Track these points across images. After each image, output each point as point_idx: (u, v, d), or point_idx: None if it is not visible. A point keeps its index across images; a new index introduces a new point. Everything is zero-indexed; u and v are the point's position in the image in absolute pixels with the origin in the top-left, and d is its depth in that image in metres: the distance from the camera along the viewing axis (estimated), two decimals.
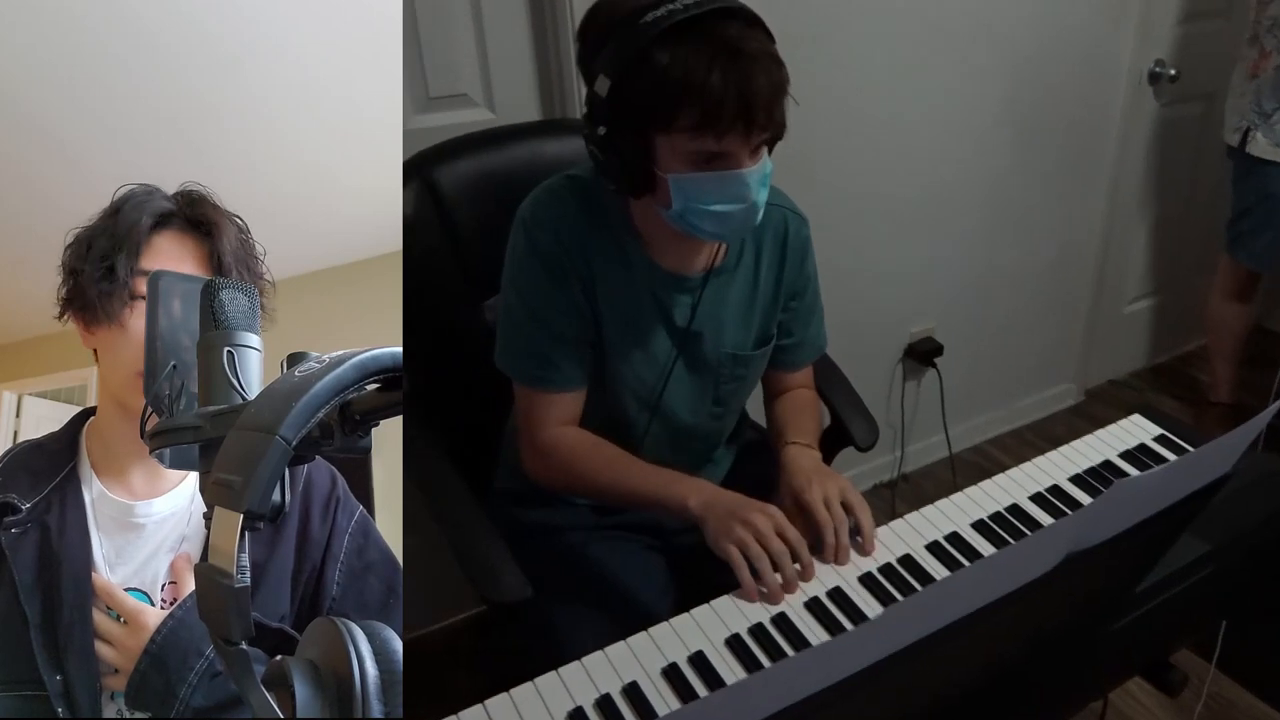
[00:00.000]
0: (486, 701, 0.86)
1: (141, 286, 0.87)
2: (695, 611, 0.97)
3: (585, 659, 0.91)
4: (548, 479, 1.19)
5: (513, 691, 0.87)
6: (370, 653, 0.55)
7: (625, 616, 1.02)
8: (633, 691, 0.88)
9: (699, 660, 0.91)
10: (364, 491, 1.04)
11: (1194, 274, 2.82)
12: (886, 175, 2.04)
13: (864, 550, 1.04)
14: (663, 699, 0.88)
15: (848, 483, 1.09)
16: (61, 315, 0.92)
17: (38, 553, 0.86)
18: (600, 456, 1.15)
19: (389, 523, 1.07)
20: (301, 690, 0.53)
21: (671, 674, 0.90)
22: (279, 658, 0.55)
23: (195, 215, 0.92)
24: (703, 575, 1.07)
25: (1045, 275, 2.46)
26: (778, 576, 0.98)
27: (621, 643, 0.93)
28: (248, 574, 0.53)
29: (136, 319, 0.87)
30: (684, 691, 0.88)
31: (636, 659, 0.92)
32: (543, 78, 1.61)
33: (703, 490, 1.07)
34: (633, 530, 1.24)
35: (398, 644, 0.57)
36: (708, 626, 0.96)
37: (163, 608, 0.88)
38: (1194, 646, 1.22)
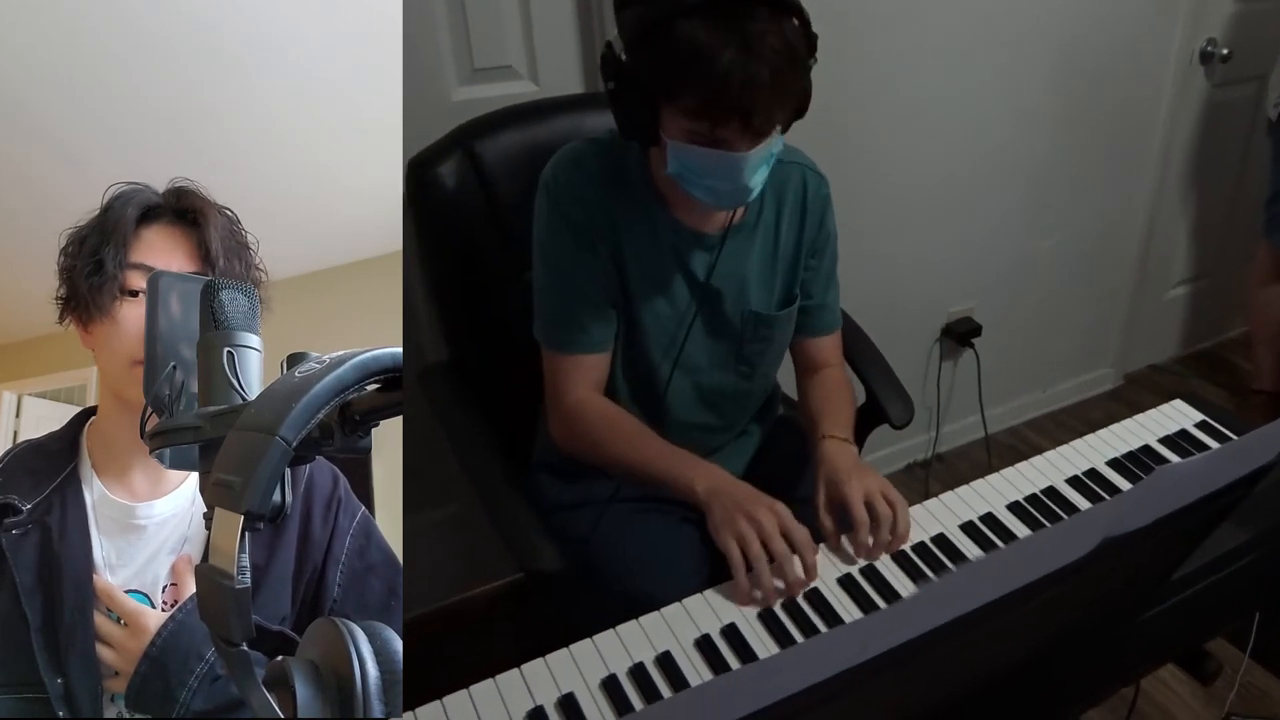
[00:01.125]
0: (523, 666, 0.89)
1: (131, 280, 0.88)
2: (728, 584, 0.98)
3: (620, 628, 0.93)
4: (569, 446, 1.20)
5: (549, 658, 0.89)
6: (371, 653, 0.55)
7: (659, 588, 1.02)
8: (666, 661, 0.89)
9: (731, 632, 0.93)
10: (364, 491, 1.03)
11: (1240, 259, 2.76)
12: (930, 155, 2.03)
13: (893, 545, 1.04)
14: (695, 669, 0.89)
15: (886, 481, 1.09)
16: (62, 318, 0.92)
17: (38, 554, 0.86)
18: (620, 429, 1.17)
19: (389, 523, 1.07)
20: (302, 690, 0.53)
21: (704, 645, 0.92)
22: (280, 658, 0.55)
23: (182, 206, 0.92)
24: None
25: (1087, 258, 2.43)
26: (777, 582, 0.97)
27: (656, 613, 0.95)
28: (248, 575, 0.53)
29: (127, 310, 0.88)
30: (716, 663, 0.90)
31: (670, 629, 0.93)
32: (586, 50, 1.61)
33: (713, 476, 1.08)
34: (667, 503, 1.25)
35: (398, 644, 0.57)
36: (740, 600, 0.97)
37: (164, 610, 0.88)
38: (1228, 635, 1.22)
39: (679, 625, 0.94)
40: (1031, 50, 2.05)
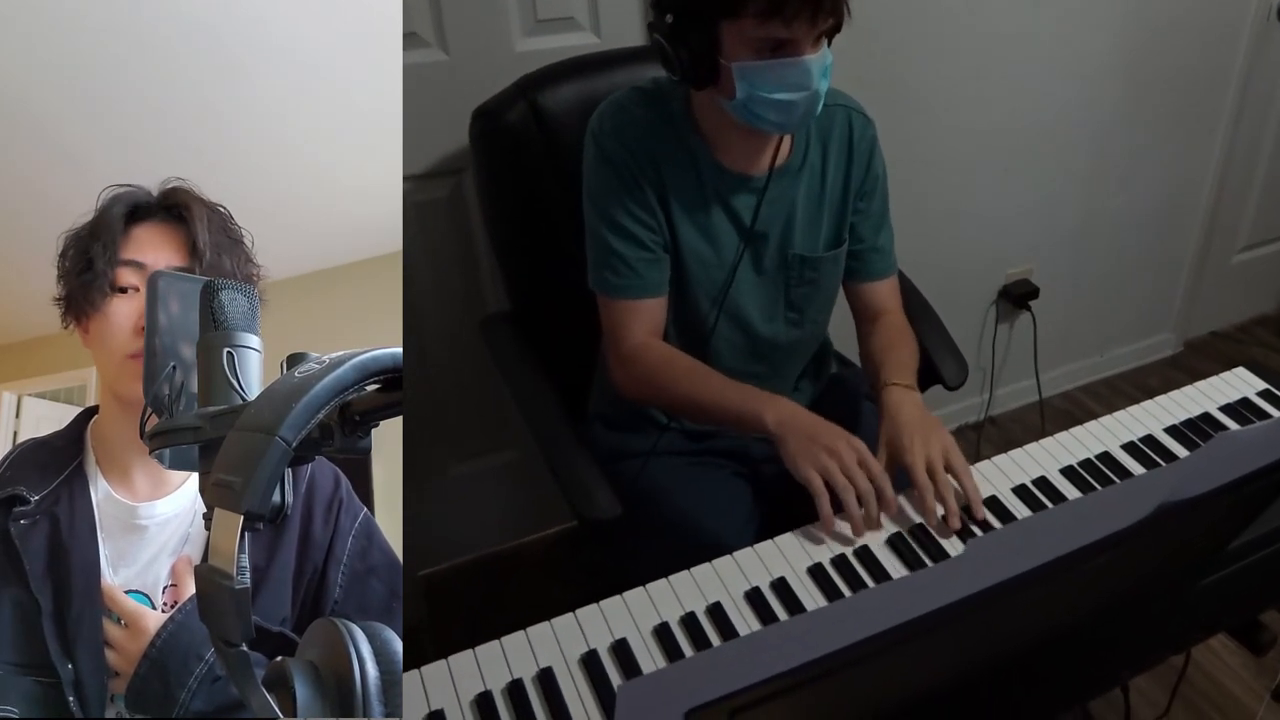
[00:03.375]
0: (578, 611, 0.91)
1: (122, 277, 0.89)
2: (780, 539, 0.99)
3: (672, 578, 0.95)
4: (632, 390, 1.21)
5: (603, 604, 0.92)
6: (371, 653, 0.55)
7: (711, 539, 1.04)
8: (716, 612, 0.91)
9: (781, 586, 0.94)
10: (364, 492, 1.03)
11: None
12: (993, 114, 2.01)
13: (973, 515, 1.02)
14: (745, 621, 0.91)
15: (951, 440, 1.07)
16: (64, 322, 0.93)
17: (47, 544, 0.87)
18: (680, 367, 1.17)
19: (389, 523, 1.07)
20: (302, 691, 0.53)
21: (754, 598, 0.93)
22: (279, 659, 0.55)
23: (169, 203, 0.93)
24: (788, 504, 1.08)
25: (1151, 220, 2.38)
26: (860, 510, 0.97)
27: (707, 564, 0.96)
28: (248, 575, 0.53)
29: (118, 305, 0.89)
30: (766, 615, 0.91)
31: (721, 581, 0.95)
32: (647, 3, 1.60)
33: (781, 408, 1.08)
34: (720, 456, 1.26)
35: (398, 644, 0.57)
36: (791, 554, 0.98)
37: (164, 610, 0.88)
38: None
39: (730, 577, 0.95)
40: (1099, 4, 2.00)
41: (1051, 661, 0.81)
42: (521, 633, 0.89)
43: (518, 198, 1.40)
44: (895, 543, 0.99)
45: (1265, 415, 1.15)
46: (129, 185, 0.94)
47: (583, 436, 1.34)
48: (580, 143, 1.21)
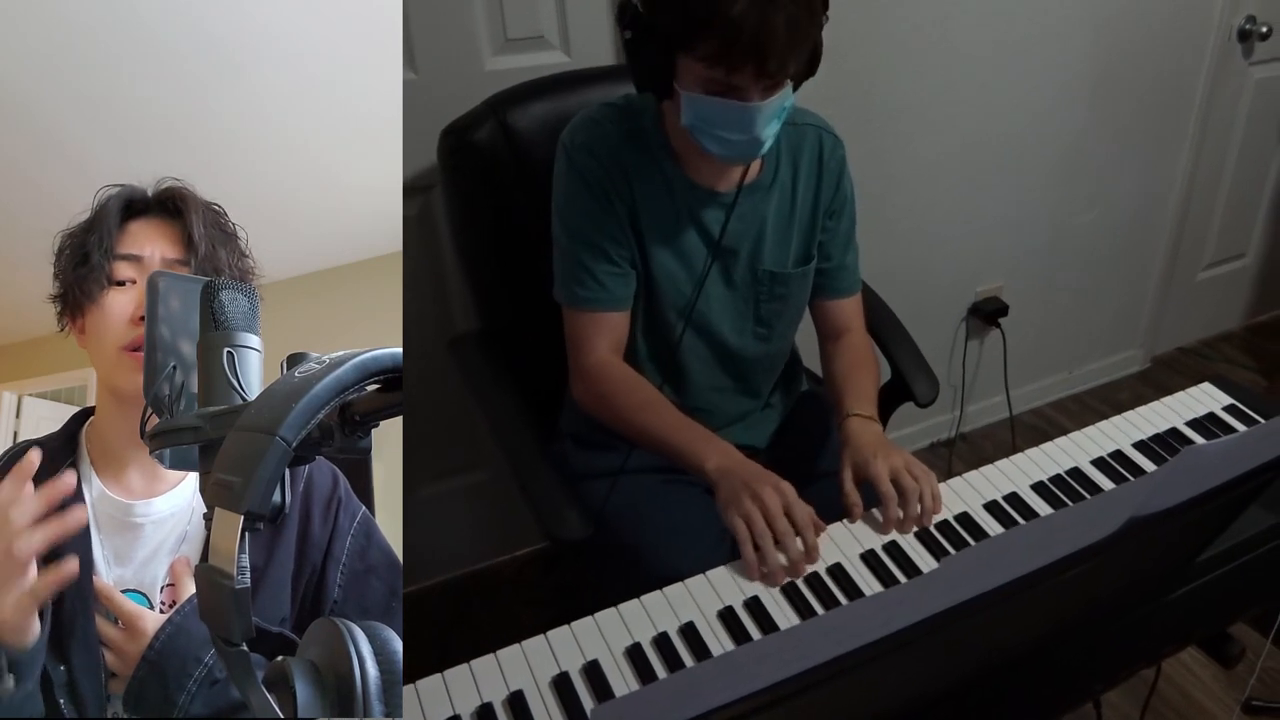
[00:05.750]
0: (549, 633, 0.90)
1: (118, 270, 0.89)
2: (741, 561, 0.98)
3: (644, 598, 0.94)
4: (589, 405, 1.22)
5: (574, 625, 0.91)
6: (371, 653, 0.55)
7: (683, 559, 1.04)
8: (689, 632, 0.91)
9: (754, 605, 0.94)
10: (364, 492, 1.03)
11: (1276, 241, 2.75)
12: (961, 129, 2.02)
13: (924, 519, 1.04)
14: (718, 641, 0.90)
15: (912, 457, 1.09)
16: (60, 323, 0.94)
17: None
18: (638, 396, 1.18)
19: (389, 523, 1.07)
20: (302, 691, 0.53)
21: (727, 617, 0.92)
22: (279, 658, 0.55)
23: (165, 199, 0.94)
24: None
25: (1118, 237, 2.41)
26: (780, 557, 0.98)
27: (680, 584, 0.96)
28: (248, 575, 0.53)
29: (114, 297, 0.89)
30: (739, 634, 0.91)
31: (694, 600, 0.94)
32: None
33: (726, 455, 1.08)
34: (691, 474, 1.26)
35: (398, 644, 0.57)
36: None
37: (162, 610, 0.88)
38: (1251, 620, 1.21)
39: (703, 596, 0.95)
40: (1069, 22, 2.02)
41: (1024, 676, 0.81)
42: (491, 655, 0.88)
43: (487, 215, 1.40)
44: (869, 559, 1.00)
45: (1231, 430, 1.16)
46: (125, 184, 0.95)
47: (553, 455, 1.34)
48: (551, 161, 1.21)
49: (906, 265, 2.03)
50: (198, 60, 1.70)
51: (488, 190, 1.38)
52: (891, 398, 1.40)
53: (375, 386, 0.58)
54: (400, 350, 0.58)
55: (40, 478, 0.90)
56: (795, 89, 1.09)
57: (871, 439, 1.14)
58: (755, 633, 0.91)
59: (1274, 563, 0.96)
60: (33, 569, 0.73)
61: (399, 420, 0.60)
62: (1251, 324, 2.90)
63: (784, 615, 0.93)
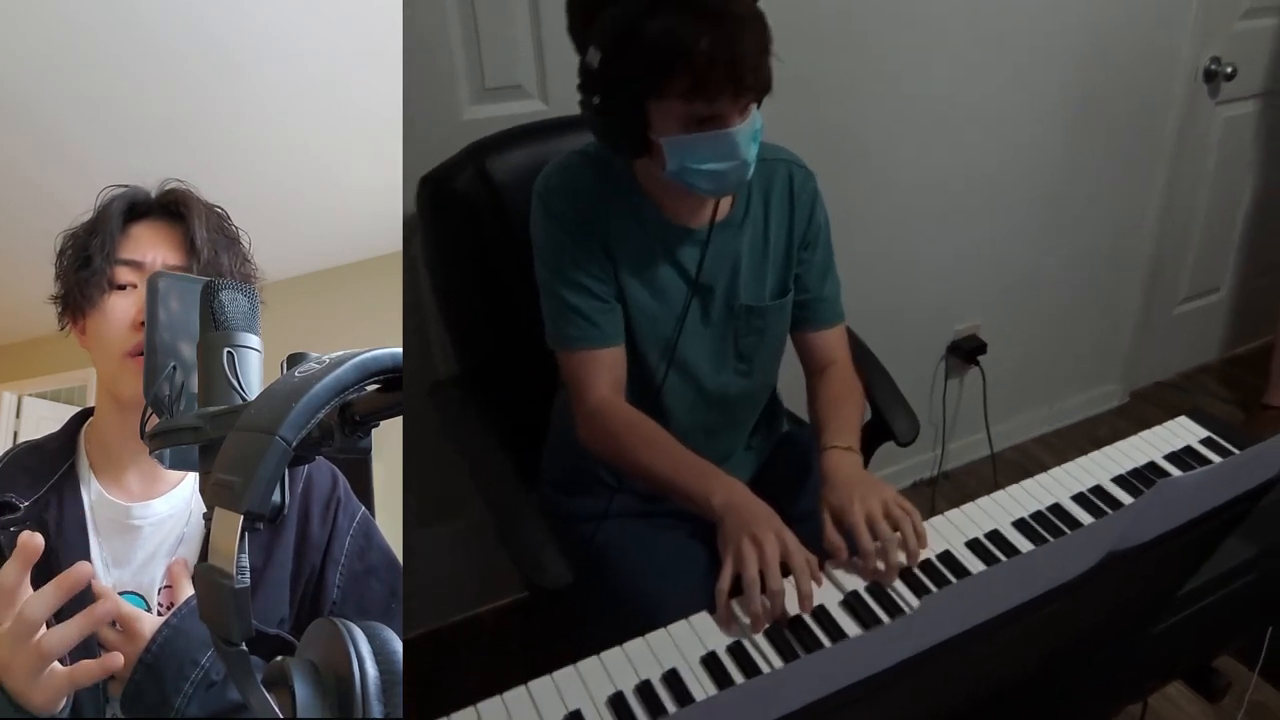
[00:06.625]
0: (530, 683, 0.88)
1: (120, 275, 0.89)
2: (735, 601, 0.97)
3: (626, 646, 0.92)
4: (595, 447, 1.20)
5: (555, 675, 0.89)
6: (370, 653, 0.55)
7: (666, 604, 1.02)
8: (672, 679, 0.89)
9: (738, 650, 0.92)
10: (364, 492, 1.03)
11: (1249, 275, 2.79)
12: (937, 168, 2.03)
13: (912, 559, 1.01)
14: (701, 686, 0.89)
15: (893, 493, 1.07)
16: (61, 323, 0.94)
17: None
18: (641, 434, 1.16)
19: (389, 524, 1.07)
20: (302, 691, 0.53)
21: (710, 662, 0.91)
22: (279, 658, 0.55)
23: (168, 201, 0.94)
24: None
25: (1094, 273, 2.43)
26: (761, 608, 0.95)
27: (663, 630, 0.94)
28: (248, 575, 0.53)
29: (116, 302, 0.89)
30: (723, 680, 0.89)
31: (677, 647, 0.93)
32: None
33: (732, 491, 1.06)
34: (675, 517, 1.24)
35: (398, 645, 0.57)
36: None
37: (159, 612, 0.87)
38: (1236, 653, 1.21)
39: (686, 642, 0.93)
40: (1041, 65, 2.06)
41: (1009, 714, 0.81)
42: (472, 709, 0.86)
43: (467, 263, 1.39)
44: (852, 600, 0.98)
45: (1208, 462, 1.16)
46: (127, 186, 0.94)
47: (533, 501, 1.32)
48: (530, 209, 1.21)
49: (884, 304, 2.03)
50: (198, 60, 1.70)
51: (467, 238, 1.38)
52: (872, 437, 1.39)
53: (375, 386, 0.58)
54: (400, 350, 0.58)
55: (38, 481, 0.90)
56: (758, 107, 1.10)
57: (850, 476, 1.11)
58: (739, 678, 0.89)
59: (1255, 595, 0.96)
60: (57, 659, 0.73)
61: (399, 420, 0.60)
62: (1228, 356, 2.94)
63: (768, 662, 0.91)
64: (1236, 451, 1.17)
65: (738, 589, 0.97)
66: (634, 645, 0.92)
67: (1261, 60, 2.41)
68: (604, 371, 1.19)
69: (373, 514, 1.00)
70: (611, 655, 0.91)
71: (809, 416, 1.32)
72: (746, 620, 0.95)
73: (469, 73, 1.51)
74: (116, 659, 0.76)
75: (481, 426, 1.38)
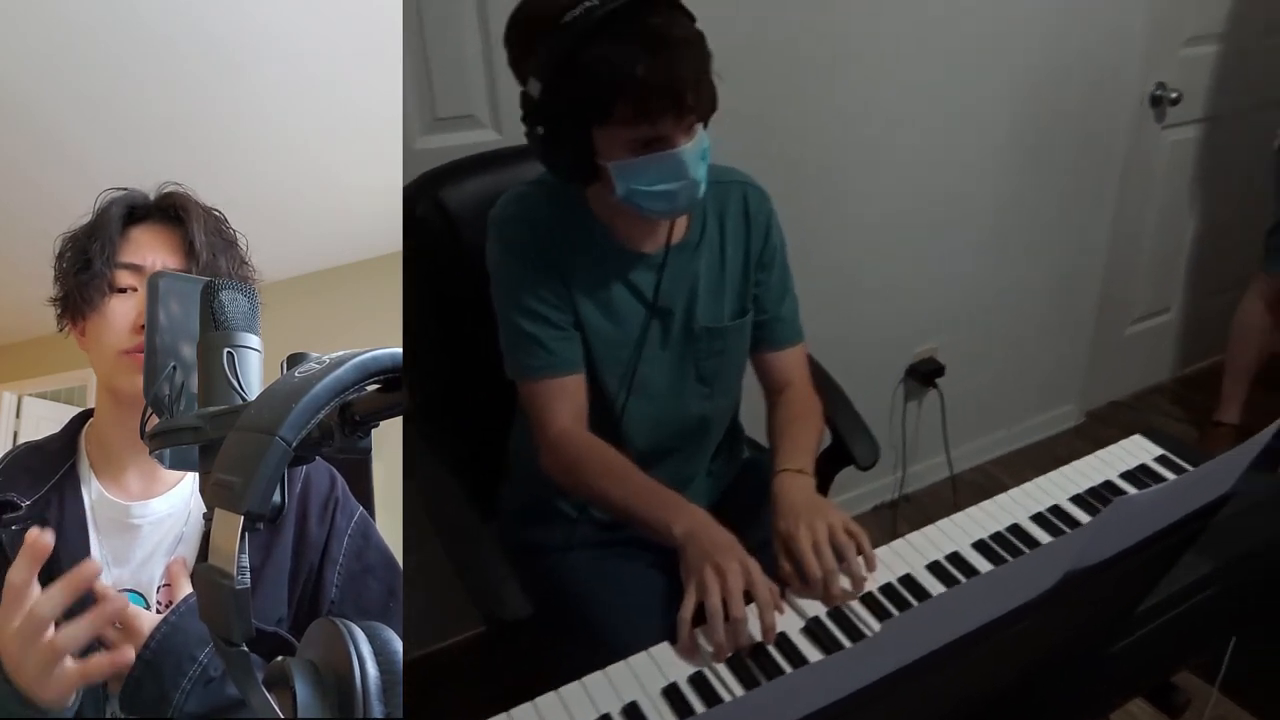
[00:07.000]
0: None
1: (120, 278, 0.90)
2: (698, 629, 0.96)
3: (585, 679, 0.91)
4: (559, 478, 1.19)
5: (513, 712, 0.87)
6: (371, 653, 0.55)
7: (627, 635, 1.00)
8: (632, 711, 0.88)
9: (699, 680, 0.91)
10: (364, 493, 1.03)
11: (1198, 296, 2.84)
12: (894, 194, 2.04)
13: (857, 585, 1.01)
14: (662, 718, 0.87)
15: (841, 516, 1.06)
16: (60, 324, 0.94)
17: None
18: (602, 463, 1.15)
19: (390, 524, 1.07)
20: (302, 691, 0.53)
21: (671, 694, 0.90)
22: (280, 658, 0.55)
23: (167, 205, 0.94)
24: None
25: (1049, 296, 2.46)
26: (724, 639, 0.94)
27: (622, 662, 0.93)
28: (248, 575, 0.53)
29: (116, 304, 0.90)
30: (683, 711, 0.88)
31: (637, 679, 0.91)
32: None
33: (694, 519, 1.05)
34: (636, 546, 1.22)
35: (398, 645, 0.57)
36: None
37: (158, 610, 0.88)
38: (1196, 668, 1.21)
39: (646, 674, 0.92)
40: (992, 91, 2.08)
41: None
42: None
43: (424, 292, 1.38)
44: (813, 626, 0.97)
45: (1163, 480, 1.17)
46: (126, 189, 0.95)
47: (491, 534, 1.30)
48: (484, 239, 1.21)
49: (843, 329, 2.04)
50: (198, 60, 1.70)
51: (421, 268, 1.37)
52: (833, 461, 1.38)
53: (375, 386, 0.58)
54: (400, 350, 0.58)
55: (39, 481, 0.91)
56: (704, 127, 1.10)
57: (798, 501, 1.10)
58: (699, 708, 0.88)
59: (1213, 610, 0.97)
60: (69, 656, 0.74)
61: (399, 420, 0.60)
62: (1181, 376, 2.99)
63: (729, 691, 0.90)
64: (1190, 468, 1.17)
65: (700, 618, 0.95)
66: (593, 679, 0.91)
67: (1204, 85, 2.47)
68: (565, 400, 1.18)
69: (373, 514, 1.00)
70: (570, 690, 0.90)
71: (768, 439, 1.30)
72: (710, 649, 0.94)
73: (419, 103, 1.50)
74: (128, 654, 0.77)
75: (437, 457, 1.36)
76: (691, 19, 1.06)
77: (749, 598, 0.97)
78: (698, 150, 1.08)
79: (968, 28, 1.96)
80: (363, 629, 0.56)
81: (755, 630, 0.95)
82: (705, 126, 1.10)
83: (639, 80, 0.99)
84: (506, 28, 1.07)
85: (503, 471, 1.40)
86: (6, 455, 0.95)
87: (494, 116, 1.56)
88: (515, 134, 1.55)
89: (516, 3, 1.07)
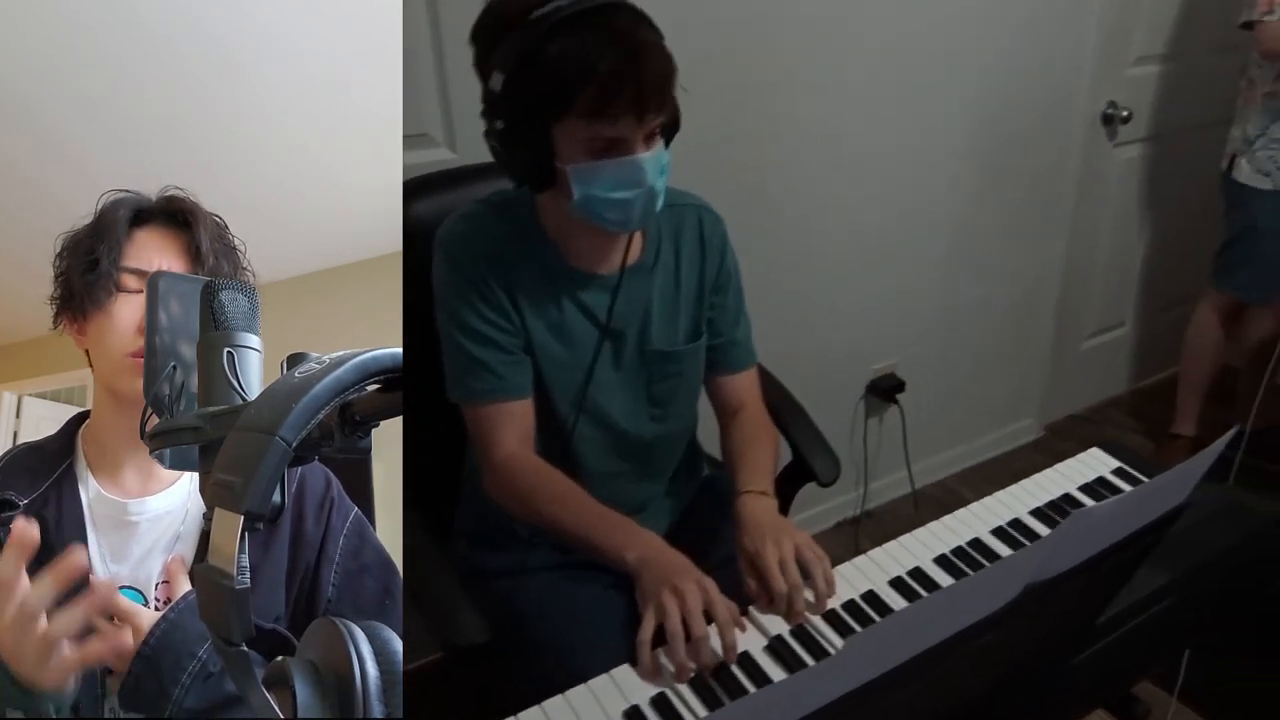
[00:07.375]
0: None
1: (126, 281, 0.90)
2: (660, 650, 0.95)
3: (545, 704, 0.90)
4: (506, 503, 1.18)
5: None
6: (370, 653, 0.55)
7: (586, 658, 0.99)
8: None
9: (661, 702, 0.90)
10: (364, 493, 1.03)
11: (1152, 310, 2.87)
12: (853, 213, 2.05)
13: (819, 605, 1.02)
14: None
15: (805, 537, 1.07)
16: (56, 322, 0.95)
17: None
18: (552, 489, 1.14)
19: (390, 524, 1.07)
20: (302, 690, 0.53)
21: (633, 716, 0.89)
22: (279, 658, 0.55)
23: (172, 209, 0.95)
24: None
25: (1007, 312, 2.48)
26: (687, 659, 0.94)
27: (583, 685, 0.92)
28: (248, 575, 0.53)
29: (121, 306, 0.90)
30: None
31: (598, 702, 0.91)
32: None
33: (648, 545, 1.05)
34: (594, 568, 1.20)
35: (398, 644, 0.57)
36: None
37: (157, 608, 0.88)
38: (1156, 678, 1.22)
39: (607, 697, 0.91)
40: (946, 111, 2.09)
41: None
42: None
43: (413, 281, 1.32)
44: (776, 644, 0.97)
45: (1120, 491, 1.17)
46: (128, 190, 0.95)
47: (447, 557, 1.29)
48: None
49: (802, 346, 2.04)
50: (198, 60, 1.70)
51: (411, 255, 1.32)
52: (794, 479, 1.38)
53: (375, 387, 0.58)
54: (400, 350, 0.58)
55: (37, 480, 0.91)
56: (666, 146, 1.10)
57: (763, 521, 1.11)
58: None
59: (1171, 620, 0.97)
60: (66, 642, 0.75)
61: (399, 420, 0.60)
62: (1136, 389, 3.01)
63: (691, 712, 0.90)
64: (1147, 480, 1.17)
65: (660, 639, 0.95)
66: (553, 703, 0.90)
67: (1153, 104, 2.50)
68: (511, 424, 1.16)
69: (372, 515, 1.01)
70: (530, 715, 0.89)
71: (724, 462, 1.30)
72: (671, 669, 0.93)
73: None
74: (125, 637, 0.78)
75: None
76: (659, 32, 1.05)
77: (708, 618, 0.96)
78: (657, 163, 1.07)
79: (922, 50, 1.98)
80: (363, 629, 0.56)
81: (717, 649, 0.95)
82: (667, 146, 1.10)
83: (602, 73, 0.99)
84: (474, 26, 1.07)
85: (459, 493, 1.38)
86: (4, 455, 0.95)
87: (449, 135, 1.55)
88: (470, 152, 1.52)
89: (484, 3, 1.07)
